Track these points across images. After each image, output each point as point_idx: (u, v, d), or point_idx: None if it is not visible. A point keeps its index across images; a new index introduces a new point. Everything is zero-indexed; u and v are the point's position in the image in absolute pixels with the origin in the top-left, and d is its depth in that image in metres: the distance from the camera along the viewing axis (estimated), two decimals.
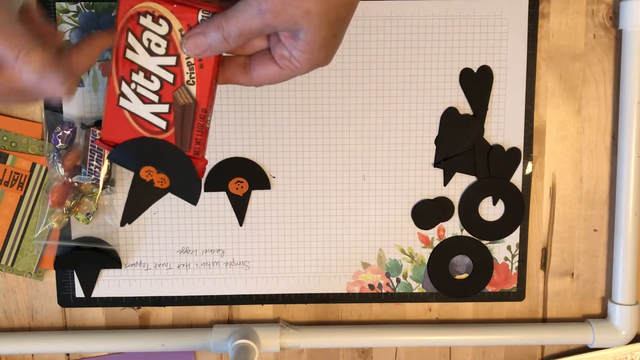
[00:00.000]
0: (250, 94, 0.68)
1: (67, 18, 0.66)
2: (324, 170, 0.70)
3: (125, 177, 0.68)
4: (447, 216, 0.71)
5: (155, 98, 0.47)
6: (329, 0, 0.41)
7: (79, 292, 0.71)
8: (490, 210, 0.71)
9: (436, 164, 0.70)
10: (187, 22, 0.45)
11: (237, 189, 0.69)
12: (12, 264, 0.68)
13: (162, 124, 0.47)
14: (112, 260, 0.69)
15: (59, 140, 0.65)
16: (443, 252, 0.71)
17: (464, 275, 0.72)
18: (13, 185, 0.66)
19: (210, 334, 0.70)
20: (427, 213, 0.71)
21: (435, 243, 0.71)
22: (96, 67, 0.67)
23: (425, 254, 0.72)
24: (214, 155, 0.69)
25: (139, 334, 0.71)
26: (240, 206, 0.70)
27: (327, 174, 0.70)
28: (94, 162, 0.64)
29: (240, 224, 0.70)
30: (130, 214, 0.67)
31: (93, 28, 0.66)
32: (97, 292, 0.71)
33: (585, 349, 0.74)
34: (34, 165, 0.66)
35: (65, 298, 0.71)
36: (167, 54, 0.46)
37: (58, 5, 0.66)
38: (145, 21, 0.45)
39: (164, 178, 0.50)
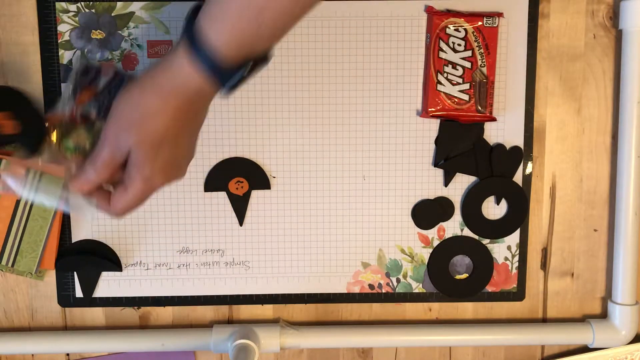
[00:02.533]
0: (250, 94, 0.68)
1: (67, 18, 0.66)
2: (324, 170, 0.70)
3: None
4: (447, 216, 0.71)
5: (460, 80, 0.66)
6: (147, 128, 0.49)
7: (79, 292, 0.71)
8: (493, 209, 0.71)
9: (436, 164, 0.70)
10: (474, 24, 0.66)
11: (237, 189, 0.69)
12: (12, 266, 0.68)
13: (466, 97, 0.67)
14: (113, 264, 0.69)
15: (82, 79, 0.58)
16: (443, 252, 0.71)
17: (464, 275, 0.72)
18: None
19: (210, 334, 0.70)
20: (427, 213, 0.71)
21: (435, 243, 0.71)
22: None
23: (425, 254, 0.72)
24: (214, 155, 0.69)
25: (139, 334, 0.71)
26: (240, 206, 0.70)
27: (327, 174, 0.70)
28: (104, 108, 0.57)
29: (240, 224, 0.70)
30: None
31: (93, 28, 0.66)
32: (97, 292, 0.71)
33: (585, 349, 0.74)
34: (28, 169, 0.66)
35: (65, 298, 0.71)
36: (465, 49, 0.66)
37: (58, 5, 0.66)
38: (450, 31, 0.66)
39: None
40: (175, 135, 0.49)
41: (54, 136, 0.58)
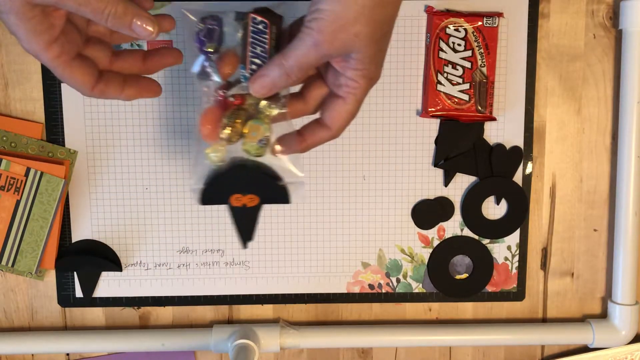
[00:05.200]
0: None
1: None
2: (324, 170, 0.70)
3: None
4: (447, 216, 0.71)
5: (460, 80, 0.66)
6: (374, 19, 0.44)
7: (79, 292, 0.71)
8: (493, 209, 0.71)
9: (436, 164, 0.70)
10: (474, 24, 0.66)
11: None
12: (12, 265, 0.68)
13: (465, 97, 0.67)
14: (113, 264, 0.69)
15: (206, 40, 0.49)
16: (443, 252, 0.71)
17: (464, 275, 0.72)
18: (10, 189, 0.66)
19: (210, 334, 0.70)
20: (427, 213, 0.71)
21: (435, 243, 0.71)
22: None
23: (425, 254, 0.72)
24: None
25: (139, 334, 0.71)
26: None
27: (327, 173, 0.70)
28: (256, 60, 0.48)
29: None
30: (245, 235, 0.58)
31: None
32: (97, 292, 0.71)
33: (585, 349, 0.74)
34: (28, 170, 0.66)
35: (65, 298, 0.71)
36: (465, 49, 0.66)
37: None
38: (450, 31, 0.66)
39: (252, 197, 0.53)
40: (391, 22, 0.46)
41: (223, 147, 0.50)
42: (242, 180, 0.52)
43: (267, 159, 0.51)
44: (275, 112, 0.49)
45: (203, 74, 0.50)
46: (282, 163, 0.51)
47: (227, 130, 0.49)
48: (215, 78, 0.49)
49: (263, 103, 0.49)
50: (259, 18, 0.47)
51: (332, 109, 0.48)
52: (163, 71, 0.67)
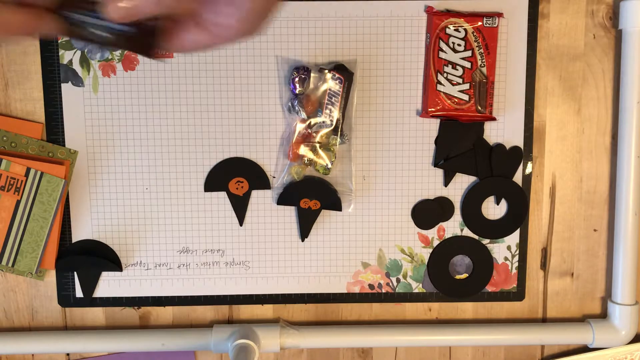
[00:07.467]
0: (250, 94, 0.68)
1: None
2: None
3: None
4: (447, 216, 0.71)
5: (460, 80, 0.67)
6: None
7: (79, 292, 0.71)
8: (493, 209, 0.71)
9: (436, 164, 0.70)
10: (474, 24, 0.66)
11: (237, 189, 0.69)
12: (13, 265, 0.68)
13: (465, 97, 0.67)
14: (113, 264, 0.69)
15: (297, 85, 0.66)
16: (443, 252, 0.71)
17: (464, 275, 0.72)
18: (10, 189, 0.66)
19: (210, 334, 0.70)
20: (427, 213, 0.71)
21: (435, 243, 0.71)
22: (96, 67, 0.67)
23: (425, 254, 0.72)
24: (214, 155, 0.69)
25: (139, 334, 0.71)
26: (240, 206, 0.70)
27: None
28: (331, 107, 0.66)
29: (240, 224, 0.70)
30: (304, 231, 0.71)
31: None
32: (97, 292, 0.71)
33: (585, 349, 0.74)
34: (28, 170, 0.66)
35: (66, 298, 0.71)
36: (465, 50, 0.66)
37: None
38: (450, 31, 0.66)
39: (316, 202, 0.69)
40: None
41: (303, 168, 0.68)
42: (310, 189, 0.68)
43: (330, 178, 0.69)
44: (337, 140, 0.67)
45: (291, 110, 0.67)
46: (340, 180, 0.69)
47: (309, 155, 0.67)
48: (302, 114, 0.66)
49: (332, 138, 0.67)
50: (337, 75, 0.65)
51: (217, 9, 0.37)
52: (169, 73, 0.67)
